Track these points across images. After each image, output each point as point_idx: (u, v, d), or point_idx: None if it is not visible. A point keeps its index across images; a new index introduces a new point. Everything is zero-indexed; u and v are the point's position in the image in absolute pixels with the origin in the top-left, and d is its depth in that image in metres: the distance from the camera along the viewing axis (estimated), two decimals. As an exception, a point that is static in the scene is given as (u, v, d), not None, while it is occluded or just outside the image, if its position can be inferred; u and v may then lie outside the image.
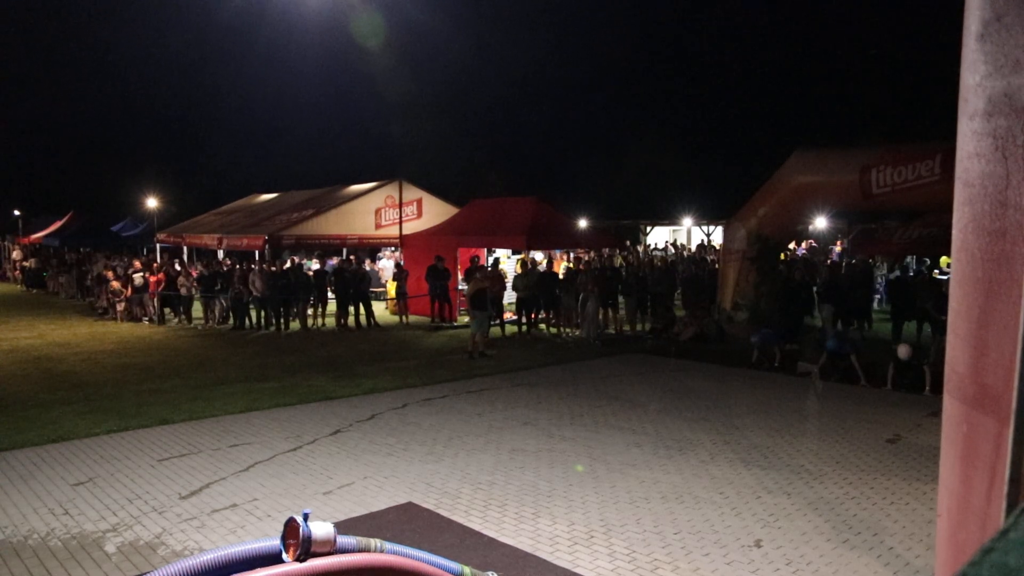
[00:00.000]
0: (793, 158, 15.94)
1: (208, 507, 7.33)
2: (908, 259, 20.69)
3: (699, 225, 34.62)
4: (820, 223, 23.43)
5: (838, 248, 27.57)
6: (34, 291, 31.19)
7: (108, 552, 6.38)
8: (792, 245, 25.55)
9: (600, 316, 17.67)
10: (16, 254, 35.78)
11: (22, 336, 18.79)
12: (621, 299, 18.67)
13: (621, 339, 17.42)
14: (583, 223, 23.35)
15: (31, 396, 12.14)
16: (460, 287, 21.16)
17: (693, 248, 31.43)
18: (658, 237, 37.12)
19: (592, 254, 23.28)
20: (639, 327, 18.19)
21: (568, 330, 18.39)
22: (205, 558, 3.53)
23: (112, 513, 7.19)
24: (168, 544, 6.51)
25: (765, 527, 6.73)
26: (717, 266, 19.43)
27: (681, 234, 37.44)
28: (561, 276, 19.51)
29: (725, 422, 10.14)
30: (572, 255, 23.77)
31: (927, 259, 21.00)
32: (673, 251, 30.97)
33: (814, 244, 29.71)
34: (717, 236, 30.72)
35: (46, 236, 38.72)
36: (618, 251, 26.38)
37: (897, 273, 18.32)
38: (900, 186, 13.89)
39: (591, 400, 11.51)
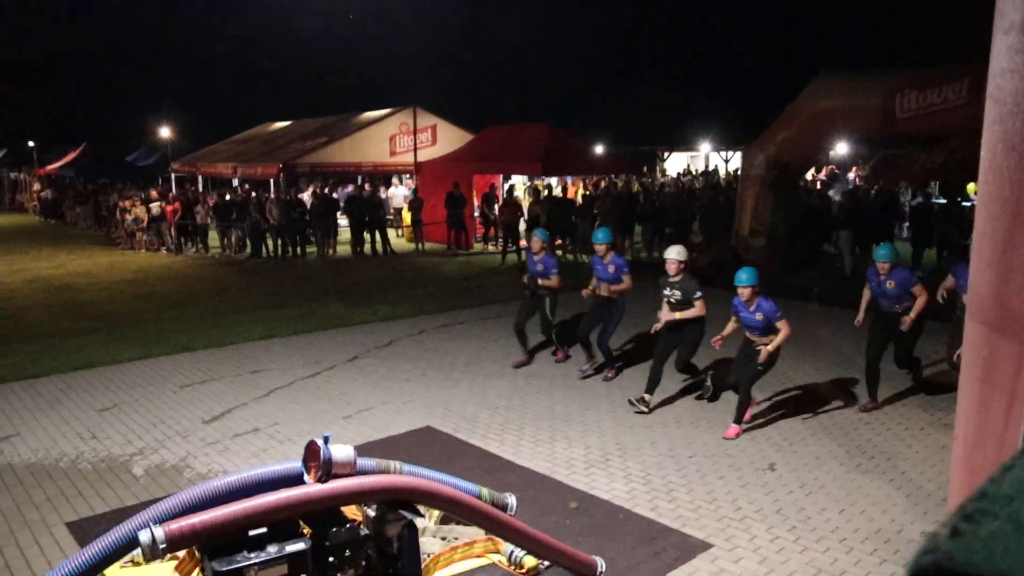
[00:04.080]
0: (815, 82, 15.57)
1: (230, 431, 7.48)
2: (931, 186, 20.38)
3: (717, 151, 34.13)
4: (841, 149, 23.05)
5: (852, 174, 27.18)
6: (51, 222, 31.35)
7: (136, 474, 6.55)
8: (812, 172, 25.19)
9: (617, 243, 17.61)
10: (35, 186, 35.86)
11: (43, 267, 18.97)
12: (637, 226, 18.57)
13: (637, 265, 17.38)
14: (599, 149, 23.06)
15: (55, 325, 12.31)
16: (476, 214, 21.08)
17: (721, 174, 31.03)
18: (675, 163, 36.64)
19: (608, 180, 23.08)
20: (655, 254, 18.12)
21: (584, 257, 18.36)
22: (230, 480, 3.61)
23: (138, 437, 7.36)
24: (193, 467, 6.67)
25: (779, 451, 6.81)
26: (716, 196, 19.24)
27: (699, 160, 36.95)
28: (577, 203, 19.38)
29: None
30: (588, 181, 23.56)
31: (949, 186, 20.71)
32: (690, 177, 30.63)
33: (835, 170, 29.30)
34: (735, 162, 30.30)
35: (61, 167, 38.71)
36: (634, 177, 26.14)
37: (920, 200, 18.05)
38: (926, 110, 13.57)
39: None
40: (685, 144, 34.95)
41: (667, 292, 7.94)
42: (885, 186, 18.70)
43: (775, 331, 7.13)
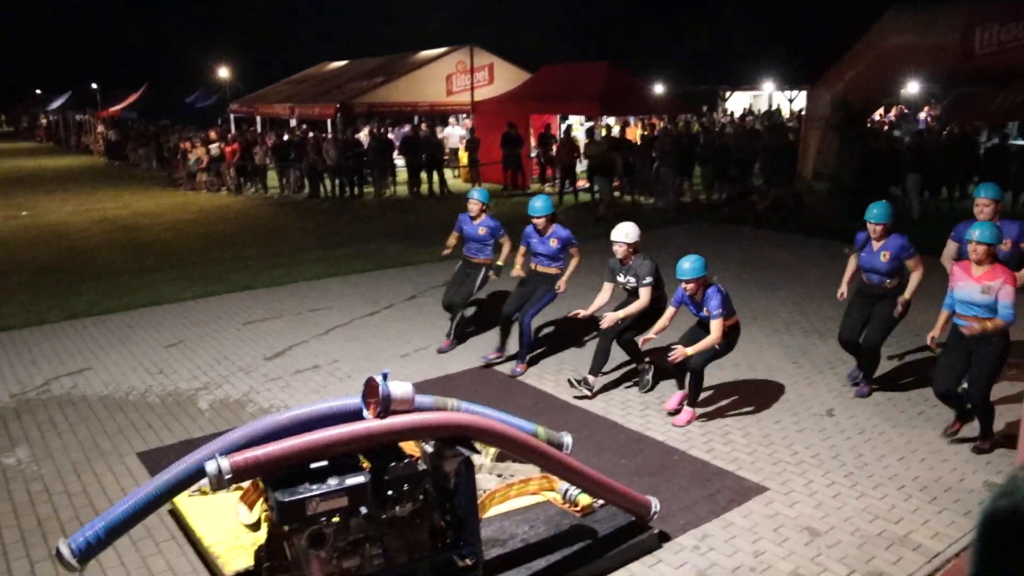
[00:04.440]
0: (886, 17, 14.91)
1: (291, 368, 7.65)
2: (1008, 127, 19.46)
3: (781, 90, 33.10)
4: (912, 88, 22.12)
5: (923, 114, 26.11)
6: (116, 163, 32.01)
7: (201, 408, 6.75)
8: (880, 112, 24.29)
9: (675, 184, 17.32)
10: (100, 128, 36.56)
11: (109, 207, 19.44)
12: (697, 167, 18.20)
13: (696, 208, 17.10)
14: (659, 89, 22.55)
15: (122, 263, 12.66)
16: (532, 154, 20.89)
17: (785, 115, 30.11)
18: (737, 103, 35.71)
19: (667, 121, 22.63)
20: (715, 196, 17.80)
21: (642, 198, 18.12)
22: (292, 414, 3.69)
23: (203, 373, 7.57)
24: (255, 402, 6.85)
25: (838, 397, 6.71)
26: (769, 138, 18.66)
27: (761, 100, 35.91)
28: (636, 144, 19.06)
29: (801, 292, 9.98)
30: (647, 122, 23.12)
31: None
32: (752, 117, 29.82)
33: (904, 110, 28.21)
34: (800, 102, 29.36)
35: (124, 109, 39.34)
36: (695, 117, 25.57)
37: (996, 140, 17.29)
38: (1009, 44, 12.92)
39: (664, 268, 11.40)
40: (747, 83, 33.96)
41: (621, 279, 6.87)
42: (959, 127, 17.93)
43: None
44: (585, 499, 4.69)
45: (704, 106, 31.35)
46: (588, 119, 21.71)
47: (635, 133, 21.65)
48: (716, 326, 5.99)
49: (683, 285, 6.09)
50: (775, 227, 14.46)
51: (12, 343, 8.64)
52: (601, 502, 4.68)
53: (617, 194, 17.52)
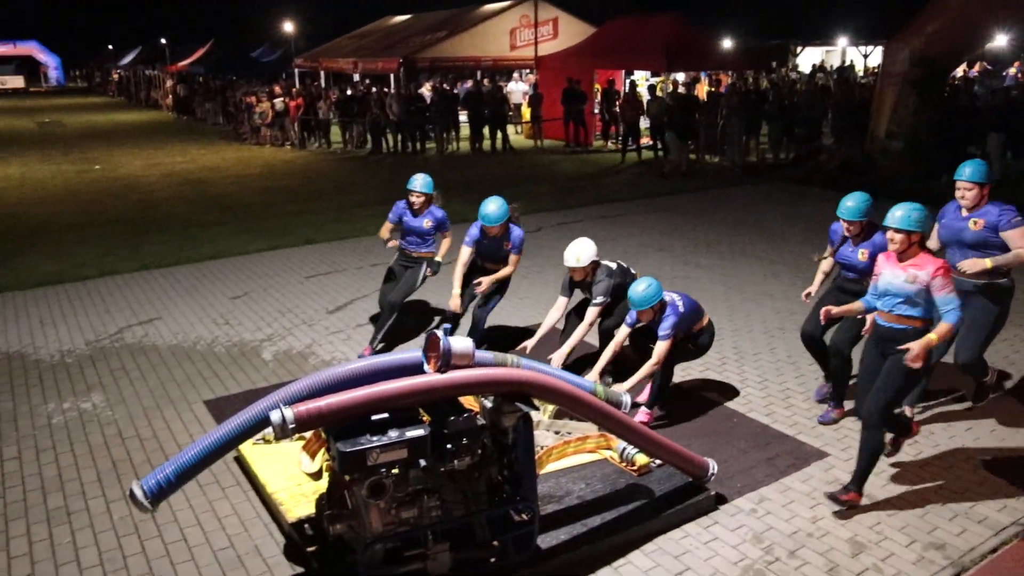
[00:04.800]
0: (973, -36, 14.19)
1: (353, 321, 7.75)
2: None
3: (855, 45, 31.88)
4: (1000, 42, 21.03)
5: (1013, 70, 24.88)
6: (183, 118, 32.58)
7: (265, 359, 6.90)
8: (962, 67, 23.24)
9: (742, 143, 16.92)
10: (168, 83, 37.21)
11: (177, 161, 19.84)
12: (764, 125, 17.73)
13: (763, 167, 16.71)
14: (727, 43, 21.94)
15: (188, 217, 12.95)
16: (596, 111, 20.61)
17: (859, 71, 29.01)
18: (809, 59, 34.52)
19: (735, 76, 22.05)
20: (782, 155, 17.35)
21: (708, 156, 17.76)
22: (355, 366, 3.74)
23: (267, 324, 7.73)
24: (317, 354, 6.97)
25: (907, 362, 6.52)
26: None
27: (834, 56, 34.66)
28: (702, 100, 18.63)
29: (871, 255, 9.68)
30: (714, 77, 22.57)
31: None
32: (824, 73, 28.86)
33: (988, 67, 26.95)
34: (876, 57, 28.28)
35: (191, 64, 39.90)
36: (764, 73, 24.86)
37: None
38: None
39: (728, 228, 11.23)
40: (820, 38, 32.82)
41: (595, 302, 5.96)
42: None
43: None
44: (642, 458, 4.67)
45: (773, 62, 30.41)
46: (654, 75, 21.29)
47: (703, 90, 21.16)
48: (660, 348, 5.28)
49: (636, 312, 5.38)
50: (844, 188, 14.02)
51: (87, 292, 8.94)
52: (658, 462, 4.66)
53: (693, 156, 17.16)
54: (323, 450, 4.23)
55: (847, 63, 31.85)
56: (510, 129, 20.55)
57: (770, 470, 4.89)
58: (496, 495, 3.94)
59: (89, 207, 14.04)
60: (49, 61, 66.19)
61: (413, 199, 6.93)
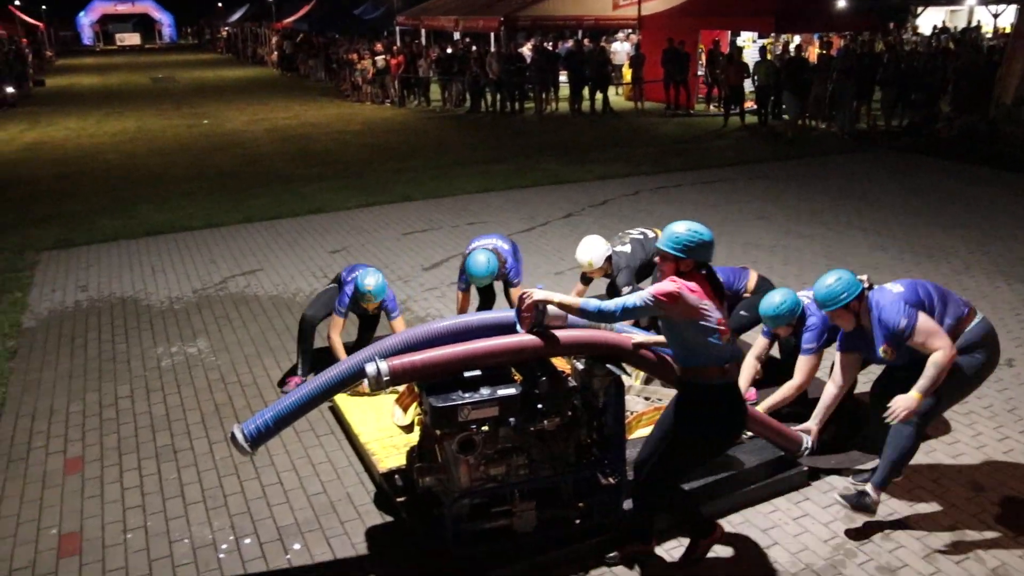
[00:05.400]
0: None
1: (447, 279, 7.82)
2: None
3: (985, 4, 29.86)
4: None
5: None
6: (287, 74, 33.28)
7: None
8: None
9: (852, 108, 16.20)
10: (273, 39, 38.02)
11: (280, 117, 20.32)
12: (878, 91, 16.90)
13: (874, 134, 15.99)
14: (841, 2, 20.92)
15: (290, 171, 13.28)
16: (699, 73, 20.07)
17: (987, 32, 27.28)
18: (930, 19, 32.60)
19: (849, 38, 21.07)
20: (895, 122, 16.55)
21: (815, 122, 17.10)
22: (449, 323, 3.77)
23: (364, 278, 7.87)
24: (412, 310, 7.07)
25: (1021, 346, 6.19)
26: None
27: (960, 16, 32.58)
28: (812, 63, 17.87)
29: (987, 231, 9.19)
30: (825, 39, 21.62)
31: None
32: (947, 35, 27.25)
33: None
34: (1008, 16, 26.50)
35: (295, 21, 40.60)
36: (879, 35, 23.66)
37: None
38: None
39: (834, 198, 10.82)
40: (944, -4, 30.91)
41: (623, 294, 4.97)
42: None
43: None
44: (734, 429, 4.58)
45: (892, 23, 28.89)
46: (761, 36, 20.54)
47: (813, 52, 20.31)
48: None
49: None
50: (962, 158, 13.32)
51: (194, 242, 9.29)
52: (750, 434, 4.56)
53: (786, 116, 16.59)
54: (415, 404, 4.30)
55: (974, 23, 29.93)
56: (610, 91, 20.21)
57: (867, 450, 4.72)
58: (584, 457, 3.93)
59: (197, 160, 14.55)
60: (163, 19, 68.46)
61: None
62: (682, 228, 3.38)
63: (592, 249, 5.66)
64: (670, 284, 3.32)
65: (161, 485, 4.54)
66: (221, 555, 3.95)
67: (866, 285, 3.93)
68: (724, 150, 14.48)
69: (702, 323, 3.33)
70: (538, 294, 3.48)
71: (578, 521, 3.91)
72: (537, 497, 3.82)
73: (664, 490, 3.66)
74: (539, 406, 3.69)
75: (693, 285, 3.34)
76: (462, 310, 5.78)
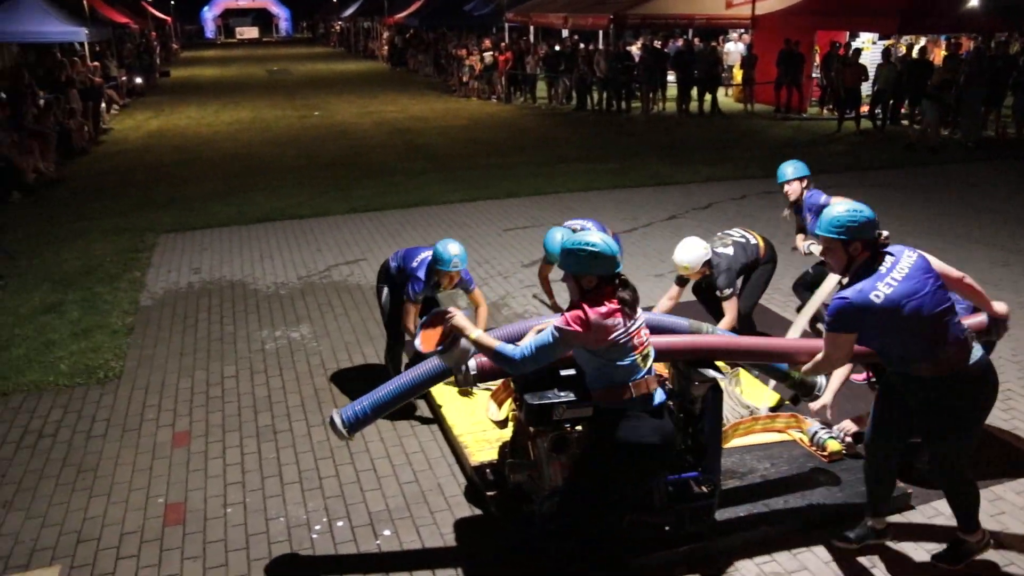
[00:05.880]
0: None
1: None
2: None
3: None
4: None
5: None
6: (397, 69, 33.91)
7: (460, 306, 7.07)
8: None
9: (980, 115, 15.34)
10: (385, 34, 38.78)
11: (388, 110, 20.72)
12: (1009, 96, 15.96)
13: (1003, 142, 15.14)
14: (972, 1, 19.84)
15: (396, 164, 13.53)
16: (814, 75, 19.43)
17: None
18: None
19: (979, 40, 19.99)
20: (1026, 130, 15.60)
21: (945, 131, 16.24)
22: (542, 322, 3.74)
23: (464, 271, 7.94)
24: (510, 306, 7.09)
25: None
26: None
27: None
28: (937, 66, 17.03)
29: (1125, 247, 8.57)
30: (952, 41, 20.57)
31: None
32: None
33: None
34: None
35: (407, 16, 41.26)
36: (1016, 36, 22.33)
37: None
38: None
39: (954, 209, 10.29)
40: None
41: (725, 296, 5.47)
42: None
43: None
44: (834, 445, 4.42)
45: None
46: (882, 37, 19.71)
47: (939, 54, 19.35)
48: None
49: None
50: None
51: (301, 230, 9.57)
52: (847, 443, 4.40)
53: (905, 122, 15.84)
54: (510, 400, 4.30)
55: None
56: (719, 91, 19.80)
57: (978, 474, 4.45)
58: (678, 463, 3.85)
59: (307, 150, 14.98)
60: (281, 13, 70.83)
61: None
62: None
63: (690, 251, 5.47)
64: (576, 311, 3.11)
65: (261, 464, 4.68)
66: (314, 535, 4.04)
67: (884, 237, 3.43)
68: (837, 155, 13.98)
69: (619, 344, 3.14)
70: (458, 318, 3.27)
71: (668, 527, 3.83)
72: (628, 500, 3.76)
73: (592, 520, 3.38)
74: (635, 409, 3.63)
75: (602, 308, 3.12)
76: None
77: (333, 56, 44.56)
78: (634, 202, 10.67)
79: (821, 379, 4.19)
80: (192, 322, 6.85)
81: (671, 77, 20.45)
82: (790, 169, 6.20)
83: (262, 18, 69.62)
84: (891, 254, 3.33)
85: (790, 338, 4.50)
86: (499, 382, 4.38)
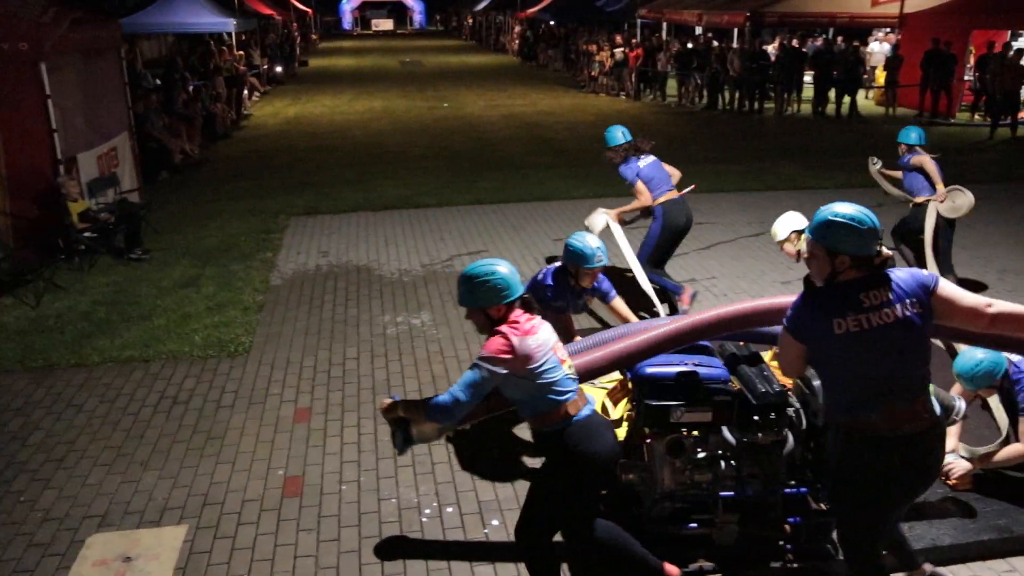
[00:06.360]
0: None
1: (677, 276, 7.66)
2: None
3: None
4: None
5: None
6: (527, 63, 34.07)
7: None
8: None
9: None
10: (516, 28, 39.04)
11: (516, 104, 20.84)
12: None
13: None
14: None
15: (522, 157, 13.59)
16: (967, 77, 18.29)
17: None
18: None
19: None
20: None
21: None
22: (685, 321, 3.66)
23: (583, 267, 7.88)
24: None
25: None
26: None
27: None
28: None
29: None
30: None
31: None
32: None
33: None
34: None
35: (539, 11, 41.39)
36: None
37: None
38: None
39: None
40: None
41: None
42: None
43: None
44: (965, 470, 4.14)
45: None
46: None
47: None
48: None
49: None
50: None
51: (426, 219, 9.74)
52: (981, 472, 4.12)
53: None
54: (626, 400, 4.24)
55: None
56: (859, 94, 18.95)
57: None
58: (796, 478, 3.70)
59: (435, 141, 15.25)
60: (415, 6, 72.40)
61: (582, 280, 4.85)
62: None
63: (783, 222, 5.40)
64: (496, 339, 3.02)
65: (376, 445, 4.79)
66: (424, 519, 4.10)
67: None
68: (987, 164, 13.13)
69: (541, 366, 3.04)
70: (392, 412, 3.26)
71: (782, 543, 3.69)
72: (741, 511, 3.64)
73: (533, 547, 3.32)
74: (755, 417, 3.51)
75: (517, 330, 3.04)
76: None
77: (464, 49, 45.23)
78: (762, 206, 10.33)
79: (960, 403, 3.93)
80: (318, 303, 7.08)
81: (807, 77, 19.73)
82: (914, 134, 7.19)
83: (397, 10, 71.34)
84: (890, 285, 2.77)
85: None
86: (616, 380, 4.33)
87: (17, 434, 4.98)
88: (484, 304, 3.10)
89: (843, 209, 2.80)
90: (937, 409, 2.94)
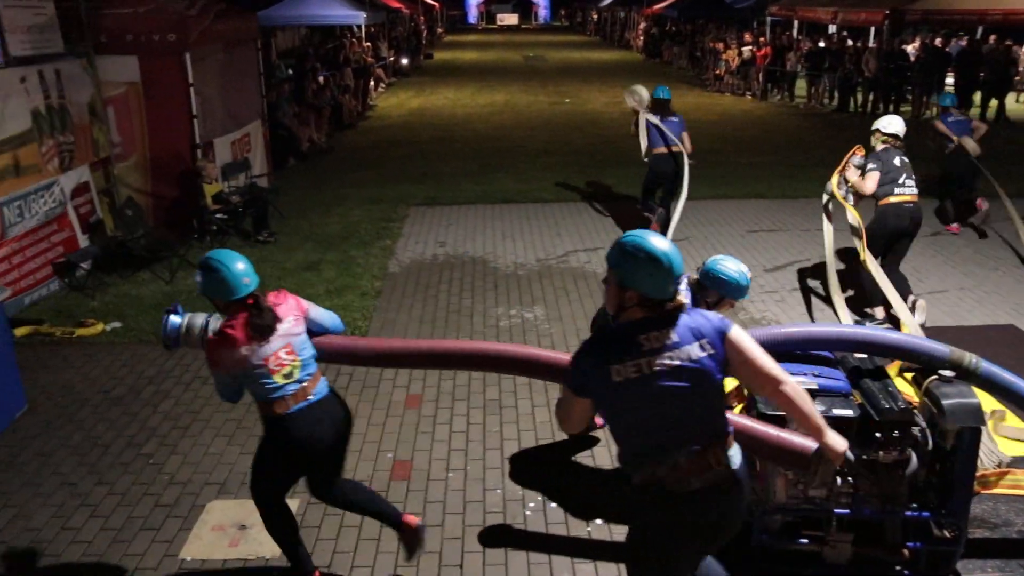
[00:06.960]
0: None
1: (788, 284, 7.47)
2: None
3: None
4: None
5: None
6: (651, 60, 33.63)
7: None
8: None
9: None
10: (642, 24, 38.59)
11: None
12: None
13: None
14: None
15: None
16: None
17: None
18: None
19: None
20: None
21: None
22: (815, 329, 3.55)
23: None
24: (748, 311, 6.83)
25: None
26: None
27: None
28: None
29: None
30: None
31: None
32: None
33: None
34: None
35: (666, 7, 40.80)
36: None
37: None
38: None
39: None
40: None
41: None
42: None
43: None
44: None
45: None
46: None
47: None
48: None
49: None
50: None
51: (544, 215, 9.77)
52: None
53: None
54: (740, 406, 4.13)
55: None
56: (1009, 97, 17.81)
57: None
58: (918, 500, 3.53)
59: (555, 136, 15.26)
60: (540, 1, 72.62)
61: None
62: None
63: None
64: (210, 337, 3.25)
65: (484, 435, 4.84)
66: (528, 512, 4.13)
67: None
68: None
69: (252, 371, 3.21)
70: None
71: (899, 568, 3.53)
72: (857, 530, 3.50)
73: (266, 512, 3.51)
74: (877, 434, 3.36)
75: (229, 333, 3.18)
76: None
77: (588, 44, 45.05)
78: (893, 213, 9.87)
79: None
80: (433, 292, 7.22)
81: (948, 79, 18.71)
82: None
83: (522, 5, 71.76)
84: (676, 327, 2.54)
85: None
86: (731, 387, 4.23)
87: (149, 401, 5.30)
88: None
89: (660, 245, 2.60)
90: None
